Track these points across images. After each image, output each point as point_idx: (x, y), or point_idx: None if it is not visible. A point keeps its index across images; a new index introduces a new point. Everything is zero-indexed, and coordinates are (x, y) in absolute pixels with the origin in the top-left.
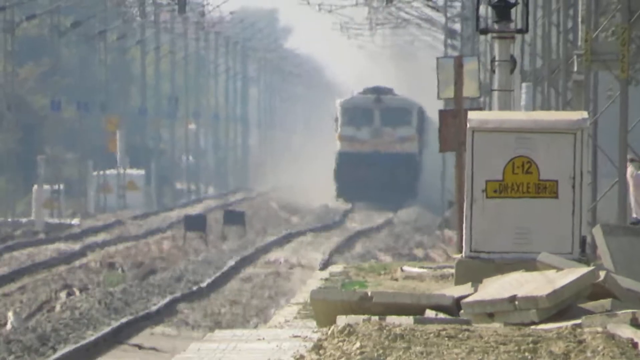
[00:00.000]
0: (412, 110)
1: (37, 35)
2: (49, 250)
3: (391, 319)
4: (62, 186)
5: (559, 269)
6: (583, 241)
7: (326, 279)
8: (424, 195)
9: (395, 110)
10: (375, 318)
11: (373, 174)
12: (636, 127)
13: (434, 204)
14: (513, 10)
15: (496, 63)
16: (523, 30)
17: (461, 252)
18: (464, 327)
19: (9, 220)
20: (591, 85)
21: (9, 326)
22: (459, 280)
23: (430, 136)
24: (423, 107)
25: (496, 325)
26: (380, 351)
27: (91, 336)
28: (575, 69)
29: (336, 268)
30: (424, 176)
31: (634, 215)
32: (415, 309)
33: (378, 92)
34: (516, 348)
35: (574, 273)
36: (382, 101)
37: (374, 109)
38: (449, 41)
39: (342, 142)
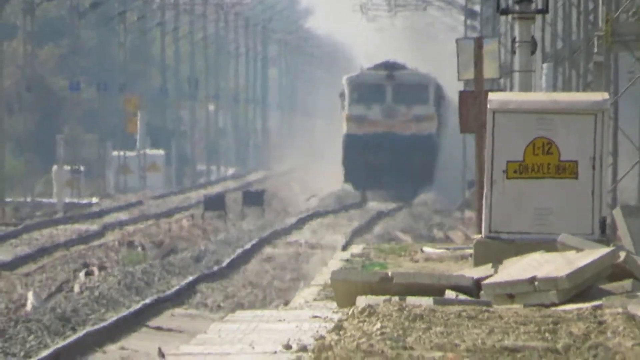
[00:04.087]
0: (429, 85)
1: (56, 16)
2: (69, 231)
3: (411, 300)
4: (82, 167)
5: (579, 249)
6: (603, 222)
7: (346, 260)
8: (442, 180)
9: (410, 86)
10: (395, 299)
11: (385, 158)
12: None
13: (452, 190)
14: None
15: (517, 44)
16: (544, 11)
17: (480, 233)
18: (484, 308)
19: (29, 200)
20: (612, 66)
21: (29, 306)
22: (479, 261)
23: (450, 115)
24: (440, 83)
25: (516, 306)
26: (401, 331)
27: (111, 317)
28: (596, 50)
29: (356, 249)
30: (442, 159)
31: None
32: (435, 290)
33: (390, 67)
34: (536, 329)
35: (594, 254)
36: (395, 77)
37: (386, 85)
38: (468, 22)
39: (349, 123)
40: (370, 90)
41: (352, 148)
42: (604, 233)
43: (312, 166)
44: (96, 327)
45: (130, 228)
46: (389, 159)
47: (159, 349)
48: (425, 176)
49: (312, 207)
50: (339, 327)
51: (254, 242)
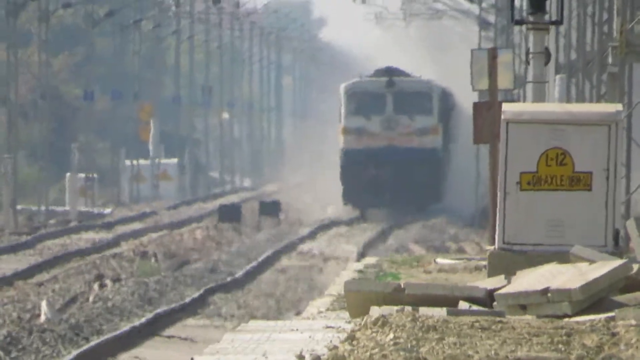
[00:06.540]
0: (433, 94)
1: (71, 24)
2: (82, 240)
3: (424, 310)
4: (95, 175)
5: (592, 261)
6: (616, 234)
7: (360, 271)
8: (453, 193)
9: (412, 95)
10: (408, 309)
11: (387, 175)
12: None
13: (464, 209)
14: (548, 2)
15: (530, 55)
16: (558, 22)
17: (494, 244)
18: (497, 318)
19: (42, 208)
20: (626, 77)
21: (42, 317)
22: (492, 272)
23: (462, 125)
24: (448, 90)
25: (529, 317)
26: (414, 342)
27: (124, 327)
28: (610, 61)
29: (370, 260)
30: (452, 173)
31: None
32: (448, 301)
33: (390, 73)
34: (549, 340)
35: (607, 266)
36: (395, 84)
37: (386, 93)
38: (483, 33)
39: (346, 136)
40: (369, 100)
41: (351, 164)
42: (617, 245)
43: (326, 176)
44: (109, 336)
45: (144, 238)
46: (390, 176)
47: None
48: (431, 193)
49: (327, 217)
50: (352, 338)
51: (268, 253)
